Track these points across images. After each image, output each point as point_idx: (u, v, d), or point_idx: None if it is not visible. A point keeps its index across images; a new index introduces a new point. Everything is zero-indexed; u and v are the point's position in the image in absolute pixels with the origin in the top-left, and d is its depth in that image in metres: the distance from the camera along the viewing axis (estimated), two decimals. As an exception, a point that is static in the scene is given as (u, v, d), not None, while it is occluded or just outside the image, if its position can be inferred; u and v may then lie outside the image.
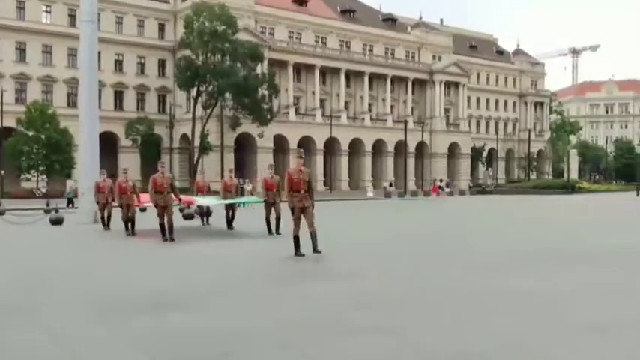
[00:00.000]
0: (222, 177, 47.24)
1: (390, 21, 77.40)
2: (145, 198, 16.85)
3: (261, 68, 56.00)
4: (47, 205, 25.82)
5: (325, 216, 16.31)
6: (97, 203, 17.09)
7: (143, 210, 16.03)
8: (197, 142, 53.16)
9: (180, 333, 5.38)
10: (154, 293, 7.33)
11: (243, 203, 22.78)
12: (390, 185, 53.89)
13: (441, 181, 57.68)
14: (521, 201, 38.33)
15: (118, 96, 59.20)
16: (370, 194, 48.08)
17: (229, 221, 16.30)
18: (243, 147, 59.21)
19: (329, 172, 63.90)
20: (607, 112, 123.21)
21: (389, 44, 74.27)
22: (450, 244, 13.27)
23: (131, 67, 59.66)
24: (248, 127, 55.93)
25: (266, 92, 54.20)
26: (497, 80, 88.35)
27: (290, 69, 64.09)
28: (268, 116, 54.94)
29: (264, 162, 58.93)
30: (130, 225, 15.12)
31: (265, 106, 54.41)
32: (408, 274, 8.93)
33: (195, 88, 53.23)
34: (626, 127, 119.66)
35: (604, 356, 4.73)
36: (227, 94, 52.57)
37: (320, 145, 64.60)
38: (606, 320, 5.82)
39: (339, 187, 63.57)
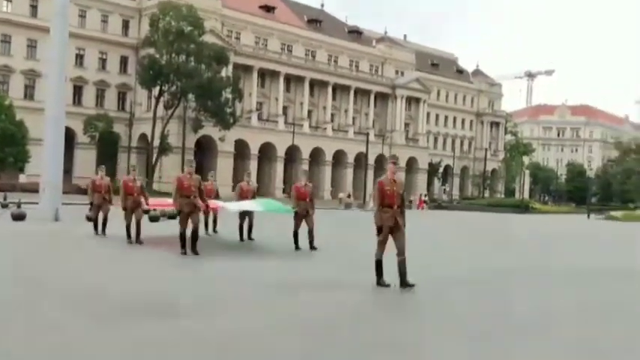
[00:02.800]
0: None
1: (356, 33, 78.16)
2: (155, 201, 15.97)
3: (226, 72, 55.64)
4: (4, 198, 25.05)
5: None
6: (91, 204, 14.91)
7: (155, 220, 14.40)
8: (157, 143, 52.36)
9: None
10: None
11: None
12: (349, 196, 54.16)
13: (426, 195, 58.84)
14: (483, 217, 39.09)
15: (77, 91, 57.85)
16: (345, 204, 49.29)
17: (248, 231, 14.35)
18: (204, 150, 58.59)
19: (289, 180, 63.69)
20: (559, 135, 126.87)
21: (354, 56, 74.90)
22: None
23: (92, 63, 58.48)
24: (210, 129, 55.43)
25: (230, 96, 53.83)
26: (456, 98, 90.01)
27: (255, 74, 63.92)
28: (231, 120, 54.57)
29: (223, 165, 58.78)
30: (135, 231, 13.01)
31: (228, 110, 54.03)
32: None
33: (157, 88, 52.52)
34: (576, 151, 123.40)
35: None
36: (190, 96, 52.06)
37: (281, 152, 64.48)
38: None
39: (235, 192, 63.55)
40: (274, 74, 65.99)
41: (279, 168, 64.96)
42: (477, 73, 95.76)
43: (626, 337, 6.60)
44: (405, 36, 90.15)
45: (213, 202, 13.38)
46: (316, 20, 73.76)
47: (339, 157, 70.29)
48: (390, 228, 8.38)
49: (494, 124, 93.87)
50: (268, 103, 67.03)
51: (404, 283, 8.31)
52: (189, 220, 11.25)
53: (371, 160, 66.91)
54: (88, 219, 17.56)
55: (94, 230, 14.36)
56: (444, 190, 78.09)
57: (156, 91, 53.00)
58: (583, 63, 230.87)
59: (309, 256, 12.28)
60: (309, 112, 69.58)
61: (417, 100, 78.20)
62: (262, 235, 14.80)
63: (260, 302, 7.40)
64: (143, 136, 57.30)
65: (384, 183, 8.53)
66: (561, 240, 23.12)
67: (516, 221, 37.31)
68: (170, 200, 16.48)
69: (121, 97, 60.44)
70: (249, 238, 14.35)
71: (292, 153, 64.27)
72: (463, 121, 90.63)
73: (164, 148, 52.08)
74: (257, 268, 10.47)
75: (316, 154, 68.38)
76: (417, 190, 75.49)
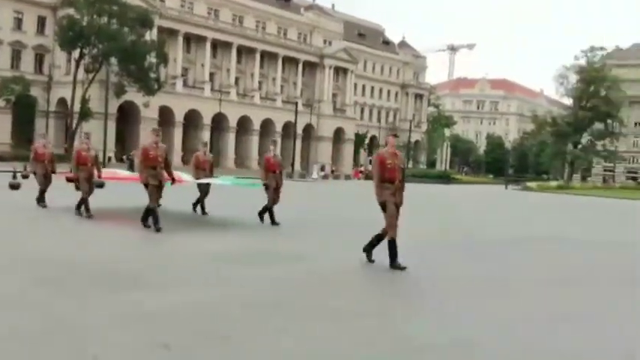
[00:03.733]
0: (104, 147, 45.44)
1: (284, 0, 77.08)
2: (108, 173, 14.58)
3: (150, 35, 53.77)
4: None
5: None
6: (34, 174, 13.79)
7: (100, 186, 12.94)
8: (77, 108, 50.15)
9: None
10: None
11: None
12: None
13: (362, 165, 59.36)
14: (420, 188, 39.72)
15: (-10, 52, 54.41)
16: (315, 176, 49.24)
17: (200, 204, 13.52)
18: (126, 116, 56.75)
19: (215, 148, 62.66)
20: (478, 108, 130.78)
21: (282, 24, 73.99)
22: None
23: (7, 22, 55.02)
24: (133, 95, 53.55)
25: (154, 61, 52.06)
26: (382, 70, 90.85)
27: (180, 39, 62.14)
28: (155, 86, 52.89)
29: (147, 133, 57.02)
30: (84, 204, 11.99)
31: (153, 75, 52.32)
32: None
33: (77, 50, 50.08)
34: (494, 123, 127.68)
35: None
36: (112, 59, 49.97)
37: (207, 120, 63.26)
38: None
39: (225, 165, 62.67)
40: (200, 39, 64.34)
41: (206, 136, 63.69)
42: (403, 45, 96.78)
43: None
44: (333, 5, 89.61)
45: (178, 175, 12.23)
46: (244, -16, 72.14)
47: (267, 126, 69.71)
48: (395, 204, 7.86)
49: (419, 97, 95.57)
50: (194, 69, 65.41)
51: (395, 265, 7.86)
52: (158, 195, 10.41)
53: (299, 129, 66.81)
54: (12, 187, 16.68)
55: (38, 202, 13.29)
56: (370, 160, 79.10)
57: (76, 53, 50.57)
58: (502, 38, 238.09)
59: (278, 231, 11.66)
60: (237, 79, 68.47)
61: (345, 71, 78.39)
62: (224, 210, 14.37)
63: (219, 276, 7.26)
64: (62, 101, 54.73)
65: (384, 157, 8.03)
66: (508, 209, 23.94)
67: (448, 191, 38.34)
68: (123, 173, 15.25)
69: (39, 60, 57.31)
70: (202, 211, 13.54)
71: (219, 121, 63.19)
72: (389, 92, 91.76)
73: (85, 114, 49.96)
74: (221, 243, 10.09)
75: (244, 123, 67.53)
76: (343, 161, 76.37)
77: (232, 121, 65.71)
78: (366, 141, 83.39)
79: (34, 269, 6.81)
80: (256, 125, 68.45)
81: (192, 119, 62.82)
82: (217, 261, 7.96)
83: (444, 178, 55.69)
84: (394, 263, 7.82)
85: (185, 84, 63.08)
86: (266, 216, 12.28)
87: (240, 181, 15.73)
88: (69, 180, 12.86)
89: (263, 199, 12.54)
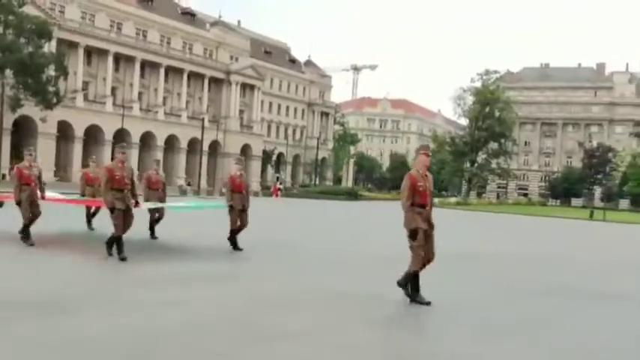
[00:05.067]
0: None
1: (189, 15, 76.30)
2: (53, 195, 12.98)
3: (49, 47, 51.45)
4: None
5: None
6: None
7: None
8: (-33, 122, 47.05)
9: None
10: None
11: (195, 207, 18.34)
12: (189, 184, 53.05)
13: (281, 183, 58.70)
14: (330, 205, 40.09)
15: None
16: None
17: (150, 227, 12.59)
18: (22, 130, 53.82)
19: (117, 165, 60.65)
20: (381, 127, 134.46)
21: (187, 39, 73.04)
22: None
23: None
24: (30, 109, 50.89)
25: (53, 73, 49.86)
26: (288, 88, 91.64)
27: (81, 51, 59.96)
28: (54, 99, 50.51)
29: (45, 148, 54.35)
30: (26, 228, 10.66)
31: (51, 89, 49.97)
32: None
33: (-31, 61, 47.04)
34: (396, 141, 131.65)
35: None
36: (8, 72, 47.35)
37: (109, 135, 61.15)
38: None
39: (142, 182, 60.69)
40: (102, 53, 62.34)
41: (107, 152, 61.43)
42: (309, 63, 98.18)
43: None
44: (239, 22, 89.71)
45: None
46: (148, -1, 70.77)
47: (171, 141, 68.30)
48: (425, 232, 7.16)
49: (325, 114, 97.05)
50: (95, 83, 63.22)
51: (420, 300, 7.19)
52: (127, 220, 9.47)
53: (205, 146, 65.95)
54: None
55: None
56: (277, 177, 79.27)
57: (-33, 64, 47.45)
58: (402, 59, 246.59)
59: (239, 256, 10.96)
60: (140, 94, 66.80)
61: (252, 87, 78.35)
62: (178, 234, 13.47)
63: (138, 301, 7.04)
64: (-50, 114, 51.10)
65: (416, 178, 7.26)
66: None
67: (358, 208, 39.00)
68: (70, 196, 13.75)
69: None
70: (152, 235, 12.59)
71: (121, 136, 61.17)
72: (295, 110, 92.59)
73: (-25, 128, 46.94)
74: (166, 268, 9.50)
75: (147, 138, 65.82)
76: (250, 178, 75.99)
77: (135, 137, 63.87)
78: (274, 158, 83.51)
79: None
80: (160, 141, 66.87)
81: (92, 134, 60.55)
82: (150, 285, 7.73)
83: (352, 195, 56.65)
84: (416, 297, 7.21)
85: (86, 98, 60.84)
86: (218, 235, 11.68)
87: (201, 205, 15.08)
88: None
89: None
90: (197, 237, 13.64)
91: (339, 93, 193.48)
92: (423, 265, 7.20)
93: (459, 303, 7.72)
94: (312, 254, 12.27)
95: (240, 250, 11.23)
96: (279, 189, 52.13)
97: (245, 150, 76.47)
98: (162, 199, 13.05)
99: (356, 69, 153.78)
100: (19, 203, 10.64)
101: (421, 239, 7.10)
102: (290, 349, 5.19)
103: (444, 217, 33.51)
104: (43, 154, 51.42)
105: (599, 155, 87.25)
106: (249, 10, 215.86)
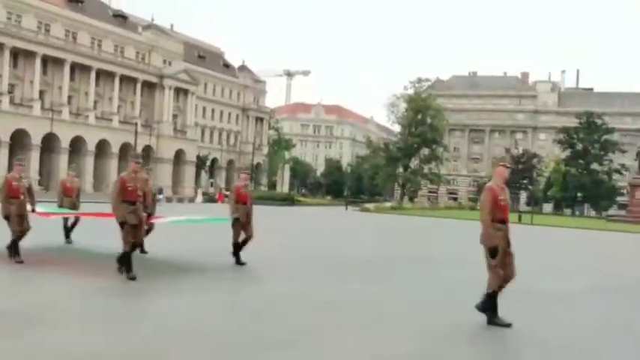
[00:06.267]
0: None
1: (121, 18, 74.54)
2: (44, 208, 11.85)
3: (-28, 48, 49.26)
4: None
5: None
6: None
7: None
8: None
9: None
10: None
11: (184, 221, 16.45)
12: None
13: (227, 190, 57.42)
14: (269, 211, 39.98)
15: None
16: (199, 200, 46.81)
17: (67, 231, 12.42)
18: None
19: (46, 171, 58.74)
20: (315, 132, 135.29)
21: (119, 42, 71.30)
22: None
23: None
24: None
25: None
26: (222, 92, 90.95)
27: (6, 53, 57.49)
28: (-22, 103, 48.46)
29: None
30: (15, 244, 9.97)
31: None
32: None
33: None
34: (330, 147, 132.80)
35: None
36: None
37: (36, 140, 59.02)
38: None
39: (56, 188, 58.60)
40: (29, 54, 60.04)
41: (35, 157, 59.26)
42: (243, 68, 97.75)
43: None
44: (172, 25, 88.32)
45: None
46: (77, 0, 68.66)
47: (103, 146, 66.47)
48: (504, 250, 6.70)
49: (259, 120, 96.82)
50: (22, 85, 60.81)
51: (494, 320, 6.81)
52: (135, 235, 8.77)
53: (138, 150, 64.47)
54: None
55: None
56: (211, 183, 78.50)
57: None
58: (335, 66, 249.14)
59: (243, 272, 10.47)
60: (70, 97, 64.73)
61: (186, 92, 77.30)
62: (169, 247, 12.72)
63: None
64: None
65: (497, 192, 6.65)
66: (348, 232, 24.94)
67: (296, 213, 39.14)
68: (65, 210, 12.85)
69: None
70: (67, 239, 12.50)
71: (50, 141, 59.24)
72: (230, 115, 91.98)
73: None
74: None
75: (77, 143, 63.80)
76: (184, 183, 74.94)
77: (64, 142, 61.83)
78: (208, 163, 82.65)
79: None
80: (91, 146, 64.95)
81: (19, 139, 58.20)
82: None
83: (289, 201, 56.75)
84: (495, 319, 6.81)
85: (12, 101, 58.42)
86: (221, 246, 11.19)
87: (201, 219, 14.65)
88: None
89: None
90: (184, 250, 12.96)
91: (274, 98, 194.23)
92: (502, 285, 6.77)
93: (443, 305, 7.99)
94: (291, 262, 12.36)
95: (243, 264, 10.67)
96: (225, 195, 51.43)
97: (179, 155, 75.40)
98: (75, 206, 13.00)
99: (289, 74, 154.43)
100: (7, 217, 9.93)
101: (502, 258, 6.64)
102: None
103: (383, 222, 34.27)
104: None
105: (525, 161, 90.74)
106: (182, 14, 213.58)
